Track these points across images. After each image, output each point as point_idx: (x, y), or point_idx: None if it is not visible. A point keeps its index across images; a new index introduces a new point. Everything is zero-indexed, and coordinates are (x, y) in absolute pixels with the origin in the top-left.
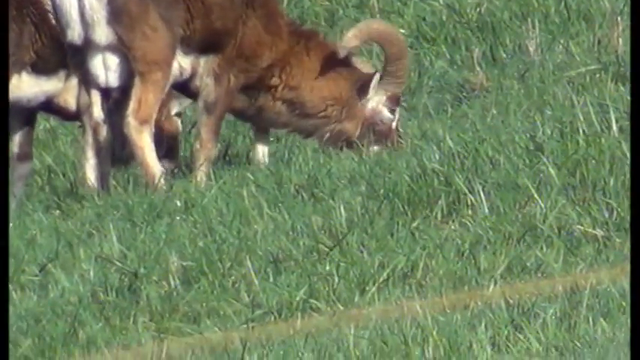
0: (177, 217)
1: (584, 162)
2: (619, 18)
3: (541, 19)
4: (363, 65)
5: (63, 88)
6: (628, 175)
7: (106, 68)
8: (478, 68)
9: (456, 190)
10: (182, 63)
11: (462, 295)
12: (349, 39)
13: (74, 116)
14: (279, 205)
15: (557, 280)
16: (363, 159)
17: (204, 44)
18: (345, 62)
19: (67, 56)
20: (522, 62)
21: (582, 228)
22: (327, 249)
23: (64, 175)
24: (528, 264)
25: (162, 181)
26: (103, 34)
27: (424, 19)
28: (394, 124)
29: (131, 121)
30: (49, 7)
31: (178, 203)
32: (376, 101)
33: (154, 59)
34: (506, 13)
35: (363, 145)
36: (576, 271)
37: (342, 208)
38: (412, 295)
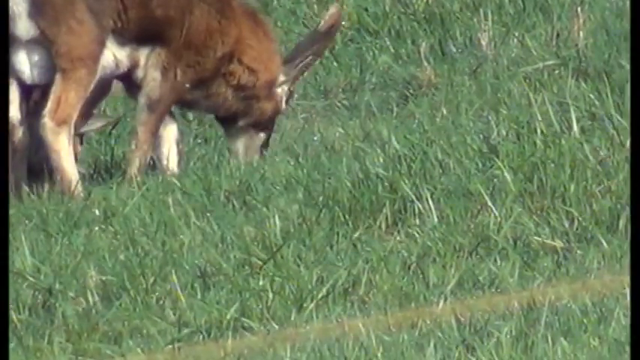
0: (96, 228)
1: (543, 166)
2: (579, 9)
3: (494, 10)
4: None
5: None
6: (590, 181)
7: (30, 64)
8: (426, 63)
9: (402, 197)
10: (117, 55)
11: (409, 312)
12: (332, 15)
13: None
14: (208, 214)
15: (512, 295)
16: (300, 163)
17: (143, 35)
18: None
19: None
20: (474, 57)
21: (540, 239)
22: (260, 262)
23: None
24: (481, 278)
25: (79, 188)
26: (24, 27)
27: (366, 9)
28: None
29: (47, 122)
30: None
31: (97, 212)
32: (284, 87)
33: (78, 55)
34: (457, 3)
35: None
36: (533, 286)
37: (276, 217)
38: (354, 313)
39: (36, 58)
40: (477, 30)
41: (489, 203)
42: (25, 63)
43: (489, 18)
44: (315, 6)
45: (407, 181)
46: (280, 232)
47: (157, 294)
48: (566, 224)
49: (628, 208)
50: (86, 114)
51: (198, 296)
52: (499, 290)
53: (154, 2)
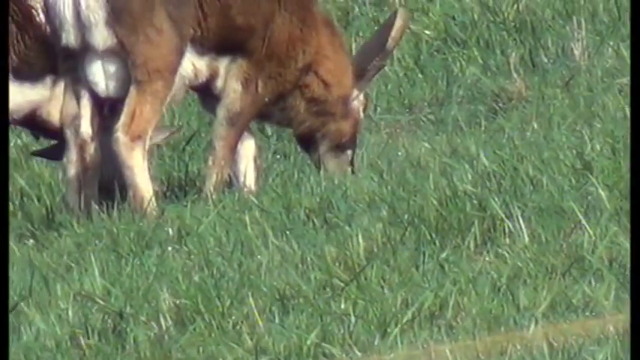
0: (170, 248)
1: None
2: None
3: (588, 18)
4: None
5: (49, 97)
6: None
7: (106, 76)
8: (516, 75)
9: (492, 215)
10: (197, 64)
11: (499, 337)
12: (399, 30)
13: (56, 132)
14: (287, 233)
15: (608, 319)
16: (384, 179)
17: (223, 44)
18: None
19: (56, 60)
20: (567, 68)
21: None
22: (342, 284)
23: (38, 200)
24: (574, 301)
25: (152, 205)
26: (101, 36)
27: (453, 18)
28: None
29: (121, 136)
30: (33, 4)
31: (170, 232)
32: (360, 98)
33: (155, 67)
34: (548, 11)
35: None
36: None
37: (359, 236)
38: (441, 338)
39: (112, 69)
40: (569, 39)
41: (583, 222)
42: (99, 74)
43: (583, 27)
44: None
45: (496, 199)
46: (363, 252)
47: (233, 318)
48: None
49: None
50: None
51: (277, 320)
52: (594, 314)
53: (234, 10)
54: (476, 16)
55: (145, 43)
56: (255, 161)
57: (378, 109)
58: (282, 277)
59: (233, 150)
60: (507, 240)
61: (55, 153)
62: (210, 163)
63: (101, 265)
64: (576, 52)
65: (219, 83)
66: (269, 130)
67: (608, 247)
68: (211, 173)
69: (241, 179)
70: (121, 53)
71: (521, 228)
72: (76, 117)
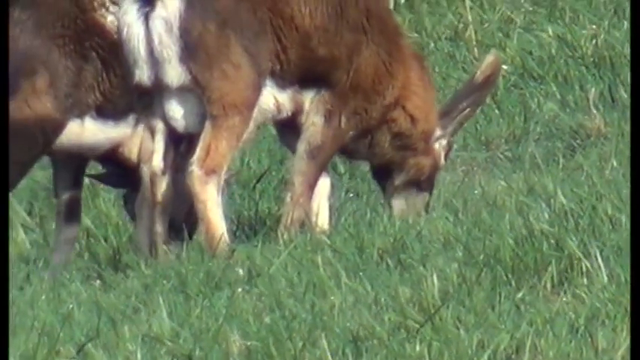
0: (240, 289)
1: None
2: None
3: None
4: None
5: (130, 135)
6: None
7: (183, 112)
8: (594, 111)
9: (569, 254)
10: (279, 98)
11: None
12: (488, 66)
13: (135, 169)
14: (360, 273)
15: None
16: (459, 219)
17: (306, 76)
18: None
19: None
20: None
21: None
22: (417, 325)
23: (105, 240)
24: None
25: (224, 242)
26: (175, 73)
27: (530, 53)
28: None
29: (195, 170)
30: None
31: (241, 272)
32: (443, 141)
33: (232, 101)
34: (628, 45)
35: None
36: None
37: (434, 276)
38: None
39: (188, 105)
40: None
41: None
42: (177, 110)
43: None
44: (476, 49)
45: (574, 238)
46: (438, 292)
47: None
48: None
49: None
50: None
51: None
52: None
53: (315, 40)
54: (553, 51)
55: (220, 79)
56: (328, 200)
57: (455, 146)
58: (355, 319)
59: (313, 186)
60: (585, 280)
61: (111, 180)
62: (287, 199)
63: (169, 307)
64: None
65: (303, 118)
66: (342, 167)
67: None
68: (288, 210)
69: (314, 219)
70: (196, 89)
71: (599, 267)
72: (150, 154)
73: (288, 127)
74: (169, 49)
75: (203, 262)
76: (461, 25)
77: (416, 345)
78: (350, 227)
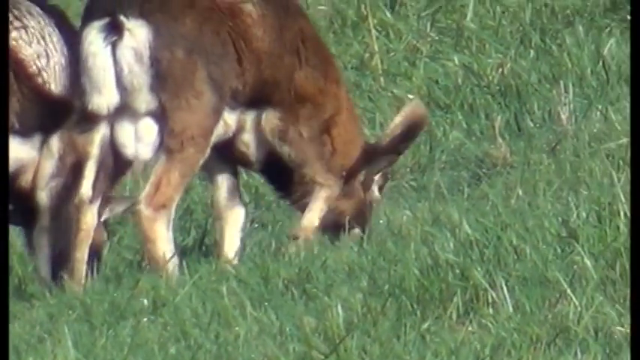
0: (145, 319)
1: (627, 252)
2: None
3: (575, 81)
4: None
5: (34, 158)
6: None
7: (137, 139)
8: (500, 140)
9: (474, 285)
10: (228, 120)
11: None
12: (396, 126)
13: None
14: (265, 303)
15: None
16: (364, 248)
17: (254, 97)
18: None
19: (46, 119)
20: (553, 132)
21: (624, 329)
22: (321, 356)
23: (10, 269)
24: None
25: (174, 277)
26: (143, 100)
27: (437, 82)
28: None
29: (142, 209)
30: (29, 53)
31: (145, 302)
32: (372, 179)
33: (191, 135)
34: (534, 74)
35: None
36: None
37: (339, 306)
38: None
39: (145, 132)
40: (556, 103)
41: (569, 291)
42: (129, 137)
43: (570, 90)
44: (382, 78)
45: (479, 268)
46: (343, 322)
47: None
48: None
49: None
50: (106, 198)
51: None
52: None
53: (264, 63)
54: (460, 80)
55: (183, 109)
56: (241, 231)
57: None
58: (260, 349)
59: (334, 174)
60: (491, 310)
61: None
62: (317, 187)
63: (74, 336)
64: (563, 117)
65: (245, 137)
66: (247, 197)
67: (594, 317)
68: (319, 192)
69: (223, 248)
70: (159, 117)
71: (504, 298)
72: (53, 178)
73: (226, 148)
74: (140, 79)
75: (108, 292)
76: (367, 55)
77: None
78: (255, 257)
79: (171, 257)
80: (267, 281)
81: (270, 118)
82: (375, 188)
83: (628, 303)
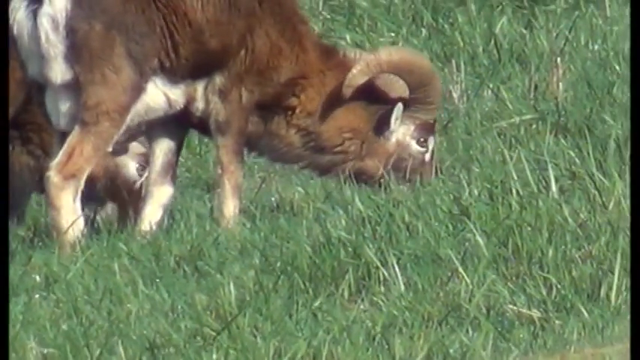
0: (37, 295)
1: (518, 229)
2: (558, 60)
3: (467, 60)
4: (389, 85)
5: None
6: (569, 245)
7: (60, 110)
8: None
9: (366, 262)
10: (170, 95)
11: None
12: (355, 76)
13: None
14: (157, 281)
15: None
16: (257, 226)
17: (199, 68)
18: (366, 88)
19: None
20: (445, 111)
21: (515, 308)
22: (213, 333)
23: None
24: (452, 350)
25: (78, 249)
26: (59, 70)
27: None
28: (427, 156)
29: (52, 175)
30: None
31: (38, 278)
32: (402, 133)
33: (105, 109)
34: (426, 53)
35: (389, 183)
36: (508, 359)
37: (231, 284)
38: None
39: (66, 104)
40: (448, 82)
41: (460, 269)
42: (54, 107)
43: (462, 69)
44: None
45: (371, 246)
46: (235, 300)
47: None
48: (544, 292)
49: (610, 275)
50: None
51: None
52: None
53: (208, 32)
54: None
55: (99, 83)
56: (163, 208)
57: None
58: (151, 326)
59: (237, 154)
60: (382, 288)
61: None
62: (218, 171)
63: None
64: (455, 95)
65: (199, 105)
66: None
67: (486, 295)
68: (222, 181)
69: (142, 221)
70: (76, 89)
71: (396, 276)
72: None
73: (186, 119)
74: (55, 48)
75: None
76: None
77: (212, 352)
78: (147, 234)
79: (71, 224)
80: (158, 258)
81: (218, 81)
82: (411, 142)
83: (520, 281)
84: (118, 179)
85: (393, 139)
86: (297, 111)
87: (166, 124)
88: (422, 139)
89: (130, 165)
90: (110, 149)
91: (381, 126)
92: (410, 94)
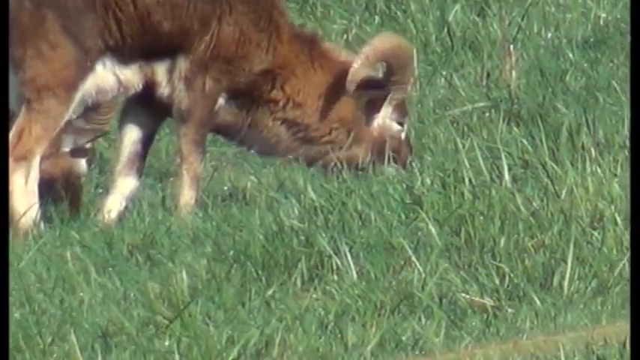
0: None
1: (471, 218)
2: (511, 47)
3: (420, 47)
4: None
5: None
6: (522, 234)
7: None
8: None
9: (319, 251)
10: (121, 75)
11: None
12: (358, 70)
13: None
14: (110, 269)
15: (438, 357)
16: (209, 214)
17: (150, 50)
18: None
19: None
20: None
21: (468, 296)
22: (166, 321)
23: None
24: (404, 338)
25: (30, 234)
26: None
27: None
28: (403, 136)
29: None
30: None
31: None
32: (382, 116)
33: (46, 84)
34: None
35: (374, 167)
36: (461, 347)
37: (183, 272)
38: None
39: (14, 85)
40: None
41: (413, 258)
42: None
43: (414, 57)
44: None
45: (324, 235)
46: (187, 288)
47: (54, 356)
48: (497, 281)
49: (563, 264)
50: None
51: (99, 358)
52: (423, 351)
53: (158, 15)
54: None
55: (34, 58)
56: (126, 200)
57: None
58: (104, 314)
59: (198, 144)
60: (335, 276)
61: None
62: (177, 160)
63: None
64: None
65: (165, 91)
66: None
67: (438, 284)
68: (180, 172)
69: (105, 210)
70: (12, 68)
71: (349, 264)
72: None
73: (151, 104)
74: None
75: None
76: None
77: (165, 340)
78: (99, 222)
79: (26, 211)
80: (111, 247)
81: (182, 65)
82: (392, 123)
83: (472, 269)
84: (71, 176)
85: (376, 123)
86: (283, 103)
87: (138, 114)
88: (400, 119)
89: (82, 161)
90: (67, 148)
91: (369, 112)
92: (389, 77)
